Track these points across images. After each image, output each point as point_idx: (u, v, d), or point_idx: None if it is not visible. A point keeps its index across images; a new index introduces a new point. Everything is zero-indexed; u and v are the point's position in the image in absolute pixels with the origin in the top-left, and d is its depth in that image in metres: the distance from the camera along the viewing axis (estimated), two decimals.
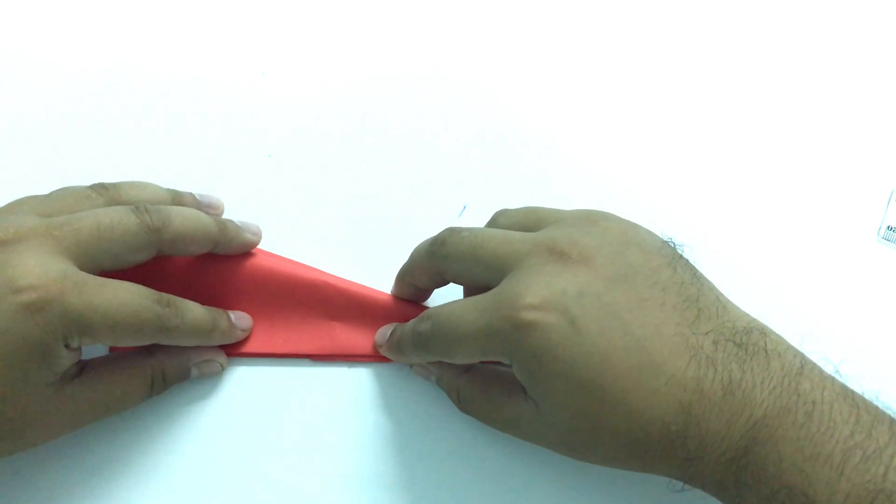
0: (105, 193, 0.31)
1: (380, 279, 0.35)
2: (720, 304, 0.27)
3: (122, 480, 0.31)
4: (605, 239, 0.27)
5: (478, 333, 0.27)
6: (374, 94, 0.41)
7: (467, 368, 0.31)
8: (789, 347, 0.26)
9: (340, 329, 0.34)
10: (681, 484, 0.26)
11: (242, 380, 0.33)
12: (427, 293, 0.34)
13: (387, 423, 0.33)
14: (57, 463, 0.32)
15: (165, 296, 0.29)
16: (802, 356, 0.26)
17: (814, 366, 0.26)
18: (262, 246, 0.36)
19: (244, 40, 0.43)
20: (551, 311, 0.25)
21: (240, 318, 0.33)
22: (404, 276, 0.33)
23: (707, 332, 0.25)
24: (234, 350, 0.34)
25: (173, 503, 0.32)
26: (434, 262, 0.30)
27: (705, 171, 0.40)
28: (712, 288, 0.28)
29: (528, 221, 0.30)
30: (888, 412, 0.24)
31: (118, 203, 0.30)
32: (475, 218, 0.38)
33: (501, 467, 0.32)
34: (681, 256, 0.28)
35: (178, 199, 0.33)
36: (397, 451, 0.32)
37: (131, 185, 0.32)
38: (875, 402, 0.25)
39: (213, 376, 0.33)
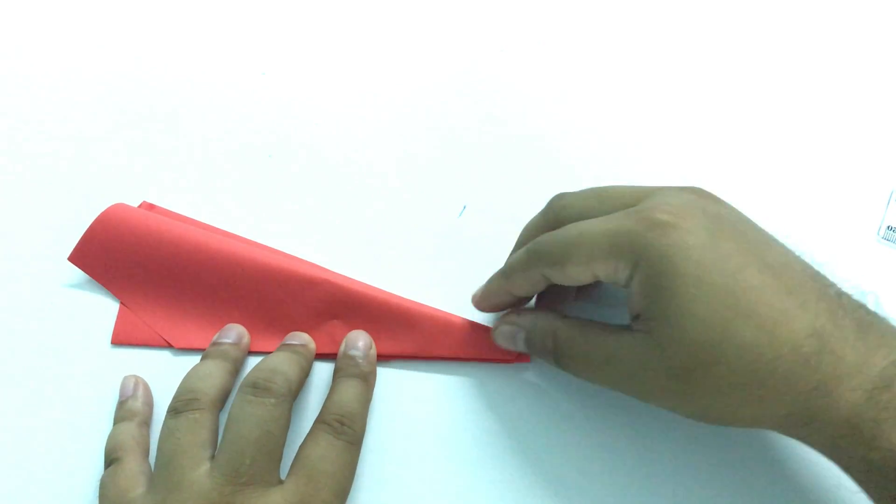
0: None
1: (380, 278, 0.35)
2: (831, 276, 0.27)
3: None
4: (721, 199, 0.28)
5: (605, 232, 0.26)
6: (373, 94, 0.41)
7: (563, 317, 0.30)
8: None
9: (341, 327, 0.34)
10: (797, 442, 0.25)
11: (242, 378, 0.33)
12: (524, 300, 0.33)
13: (386, 421, 0.33)
14: (58, 460, 0.32)
15: None
16: None
17: None
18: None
19: (244, 40, 0.43)
20: (689, 218, 0.25)
21: None
22: (509, 272, 0.31)
23: (830, 284, 0.26)
24: None
25: None
26: (550, 216, 0.30)
27: (706, 171, 0.40)
28: None
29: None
30: None
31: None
32: (475, 218, 0.38)
33: (501, 469, 0.32)
34: None
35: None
36: (396, 449, 0.32)
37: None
38: None
39: None
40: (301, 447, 0.29)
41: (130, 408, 0.31)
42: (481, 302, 0.33)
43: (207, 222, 0.37)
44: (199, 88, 0.41)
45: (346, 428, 0.29)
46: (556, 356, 0.30)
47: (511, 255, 0.33)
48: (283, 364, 0.30)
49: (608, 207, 0.28)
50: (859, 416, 0.23)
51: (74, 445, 0.32)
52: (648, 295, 0.25)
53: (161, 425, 0.30)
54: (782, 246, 0.27)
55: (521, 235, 0.33)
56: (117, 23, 0.43)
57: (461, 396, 0.33)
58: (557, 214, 0.30)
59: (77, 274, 0.34)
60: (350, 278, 0.35)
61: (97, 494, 0.29)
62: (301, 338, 0.33)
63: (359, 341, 0.33)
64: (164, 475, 0.28)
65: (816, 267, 0.27)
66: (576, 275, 0.27)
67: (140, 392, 0.32)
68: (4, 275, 0.35)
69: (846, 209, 0.39)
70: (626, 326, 0.27)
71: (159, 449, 0.29)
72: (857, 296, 0.26)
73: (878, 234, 0.38)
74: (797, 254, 0.27)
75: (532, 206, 0.38)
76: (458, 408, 0.33)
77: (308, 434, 0.30)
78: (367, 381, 0.32)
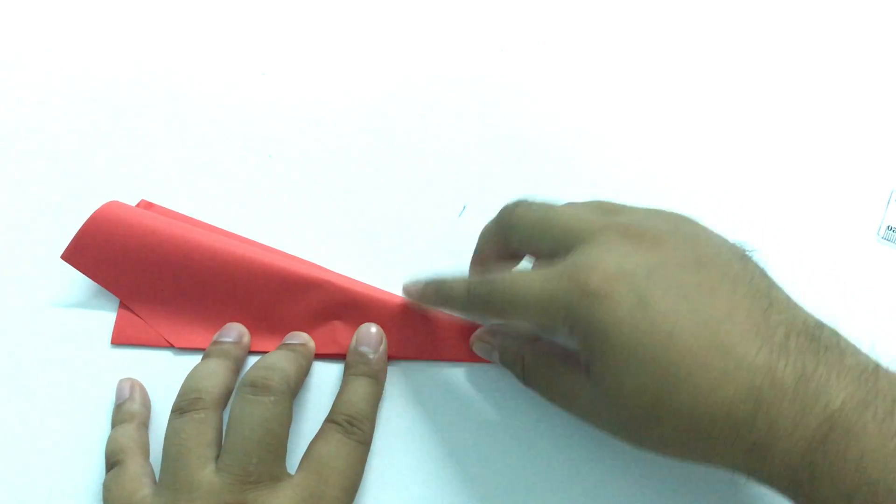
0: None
1: (380, 278, 0.35)
2: (791, 301, 0.26)
3: None
4: (677, 229, 0.27)
5: (542, 297, 0.27)
6: (373, 94, 0.41)
7: (533, 340, 0.31)
8: (861, 349, 0.25)
9: (341, 327, 0.34)
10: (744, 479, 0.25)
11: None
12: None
13: (386, 421, 0.33)
14: (58, 460, 0.32)
15: None
16: (877, 357, 0.25)
17: (889, 367, 0.25)
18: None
19: (244, 40, 0.43)
20: (621, 284, 0.25)
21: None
22: (474, 261, 0.33)
23: (779, 324, 0.25)
24: None
25: None
26: (501, 229, 0.30)
27: (706, 171, 0.40)
28: (782, 287, 0.27)
29: (602, 209, 0.30)
30: None
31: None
32: (475, 218, 0.38)
33: (502, 468, 0.32)
34: (752, 255, 0.28)
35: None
36: (397, 449, 0.32)
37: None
38: None
39: None
40: (311, 444, 0.30)
41: (128, 410, 0.32)
42: (431, 300, 0.33)
43: (207, 222, 0.37)
44: (199, 88, 0.41)
45: (355, 428, 0.30)
46: (524, 379, 0.31)
47: (471, 259, 0.33)
48: (280, 361, 0.31)
49: (549, 245, 0.28)
50: (795, 474, 0.23)
51: (75, 446, 0.32)
52: (587, 360, 0.26)
53: (161, 426, 0.30)
54: (731, 282, 0.26)
55: (479, 241, 0.33)
56: (117, 22, 0.43)
57: (461, 396, 0.33)
58: (506, 233, 0.30)
59: (77, 274, 0.34)
60: (350, 279, 0.35)
61: (100, 498, 0.29)
62: (300, 337, 0.33)
63: (370, 337, 0.33)
64: (171, 476, 0.28)
65: (772, 290, 0.26)
66: (520, 324, 0.29)
67: (137, 394, 0.32)
68: (3, 275, 0.35)
69: (846, 209, 0.39)
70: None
71: (165, 449, 0.29)
72: (812, 326, 0.25)
73: (878, 234, 0.38)
74: (750, 284, 0.26)
75: None
76: (458, 408, 0.33)
77: (318, 432, 0.30)
78: (377, 378, 0.32)
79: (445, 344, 0.34)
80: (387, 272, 0.36)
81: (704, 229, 0.28)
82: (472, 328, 0.33)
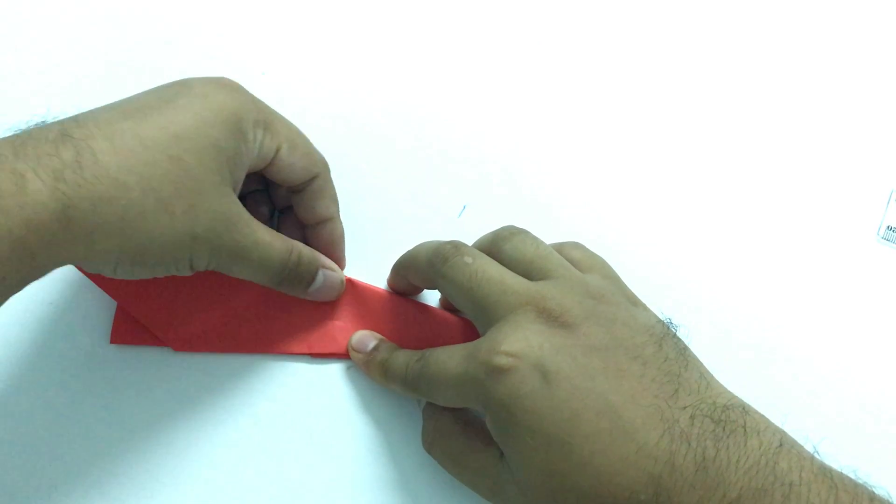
0: None
1: (380, 279, 0.35)
2: (703, 381, 0.27)
3: (118, 477, 0.31)
4: (595, 312, 0.27)
5: (456, 378, 0.28)
6: (373, 94, 0.41)
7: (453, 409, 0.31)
8: (769, 426, 0.26)
9: (342, 327, 0.34)
10: None
11: (242, 376, 0.33)
12: (419, 290, 0.34)
13: (387, 421, 0.33)
14: (58, 460, 0.32)
15: None
16: (782, 434, 0.26)
17: (792, 445, 0.25)
18: None
19: (244, 40, 0.43)
20: (525, 361, 0.26)
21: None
22: (400, 269, 0.33)
23: (685, 407, 0.25)
24: (234, 347, 0.34)
25: (169, 500, 0.32)
26: (431, 273, 0.31)
27: (706, 171, 0.40)
28: (697, 366, 0.28)
29: (532, 267, 0.30)
30: (867, 489, 0.24)
31: None
32: (475, 218, 0.38)
33: None
34: (671, 336, 0.28)
35: None
36: (397, 450, 0.32)
37: None
38: (853, 479, 0.25)
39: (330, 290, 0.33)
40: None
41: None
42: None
43: None
44: None
45: None
46: (427, 444, 0.31)
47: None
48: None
49: (472, 312, 0.29)
50: None
51: (73, 445, 0.32)
52: (496, 435, 0.27)
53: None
54: (641, 365, 0.26)
55: (406, 261, 0.33)
56: (117, 22, 0.43)
57: None
58: (435, 279, 0.31)
59: (76, 273, 0.34)
60: (351, 278, 0.35)
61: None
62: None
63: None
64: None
65: (684, 372, 0.26)
66: (448, 405, 0.30)
67: None
68: None
69: (846, 209, 0.39)
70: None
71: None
72: (720, 408, 0.25)
73: (878, 234, 0.38)
74: (660, 367, 0.26)
75: (531, 206, 0.38)
76: None
77: None
78: None
79: (445, 341, 0.34)
80: (386, 272, 0.36)
81: (627, 308, 0.28)
82: (473, 325, 0.33)
